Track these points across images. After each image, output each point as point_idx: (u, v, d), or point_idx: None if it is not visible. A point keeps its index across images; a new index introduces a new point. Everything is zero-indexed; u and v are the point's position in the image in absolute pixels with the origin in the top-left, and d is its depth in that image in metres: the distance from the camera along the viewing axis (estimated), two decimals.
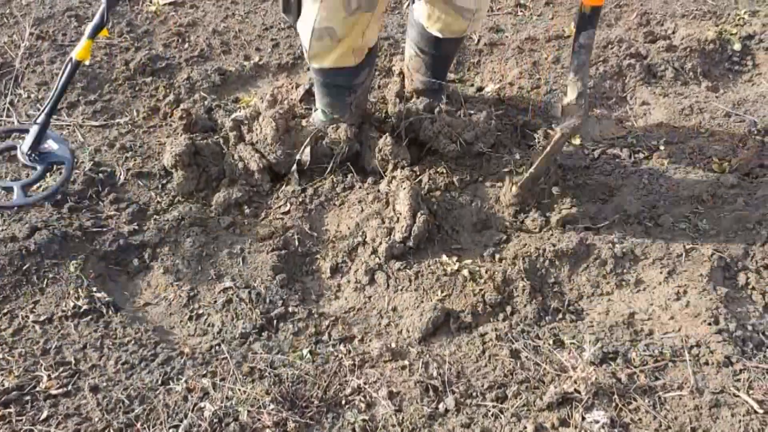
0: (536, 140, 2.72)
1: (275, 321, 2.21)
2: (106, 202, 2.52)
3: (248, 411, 1.92)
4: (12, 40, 3.08)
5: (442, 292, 2.29)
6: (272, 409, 1.92)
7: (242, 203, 2.56)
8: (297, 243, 2.44)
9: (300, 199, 2.55)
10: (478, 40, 3.25)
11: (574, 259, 2.35)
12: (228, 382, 2.00)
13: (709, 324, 2.13)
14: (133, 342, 2.11)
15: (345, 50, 2.32)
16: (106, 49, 3.08)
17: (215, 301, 2.25)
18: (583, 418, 1.93)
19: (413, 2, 2.58)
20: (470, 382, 2.04)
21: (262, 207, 2.57)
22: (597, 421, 1.92)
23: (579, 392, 1.97)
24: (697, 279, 2.26)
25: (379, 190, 2.54)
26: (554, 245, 2.36)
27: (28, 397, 1.96)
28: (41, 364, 2.04)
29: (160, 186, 2.60)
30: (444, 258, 2.39)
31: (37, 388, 1.98)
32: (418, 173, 2.62)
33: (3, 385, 1.96)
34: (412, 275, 2.34)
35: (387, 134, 2.64)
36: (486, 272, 2.33)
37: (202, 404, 1.94)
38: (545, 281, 2.33)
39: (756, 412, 1.93)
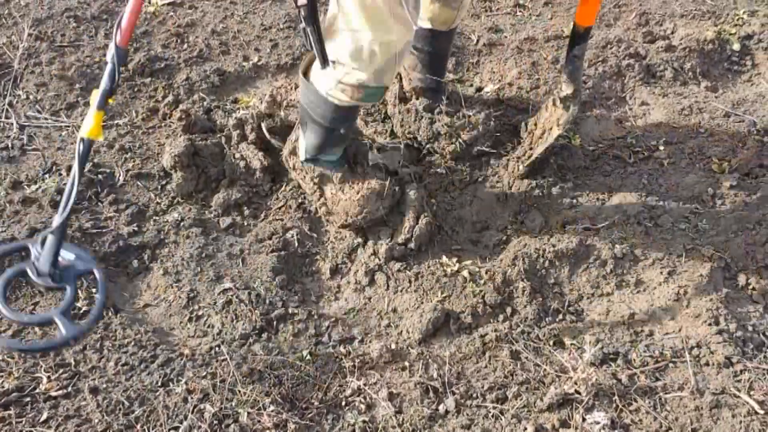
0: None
1: (275, 322, 2.21)
2: (106, 203, 2.51)
3: (248, 412, 1.92)
4: (11, 41, 3.07)
5: (442, 293, 2.29)
6: (272, 411, 1.92)
7: (242, 204, 2.56)
8: (297, 244, 2.44)
9: (299, 200, 2.54)
10: (477, 41, 3.25)
11: (574, 260, 2.35)
12: (228, 383, 2.00)
13: (710, 324, 2.13)
14: (132, 343, 2.11)
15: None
16: (105, 50, 3.07)
17: (215, 303, 2.25)
18: (584, 419, 1.93)
19: None
20: (470, 383, 2.04)
21: (261, 208, 2.57)
22: (597, 422, 1.92)
23: (579, 393, 1.97)
24: (697, 279, 2.26)
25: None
26: (554, 246, 2.36)
27: (27, 399, 1.95)
28: (41, 366, 2.03)
29: (159, 187, 2.60)
30: (444, 259, 2.39)
31: (37, 390, 1.97)
32: (418, 174, 2.61)
33: (3, 387, 1.96)
34: (412, 276, 2.34)
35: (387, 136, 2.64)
36: (486, 273, 2.33)
37: (202, 406, 1.94)
38: (545, 282, 2.33)
39: (757, 412, 1.93)
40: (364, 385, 2.02)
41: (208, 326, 2.20)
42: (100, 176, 2.59)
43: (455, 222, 2.53)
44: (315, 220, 2.52)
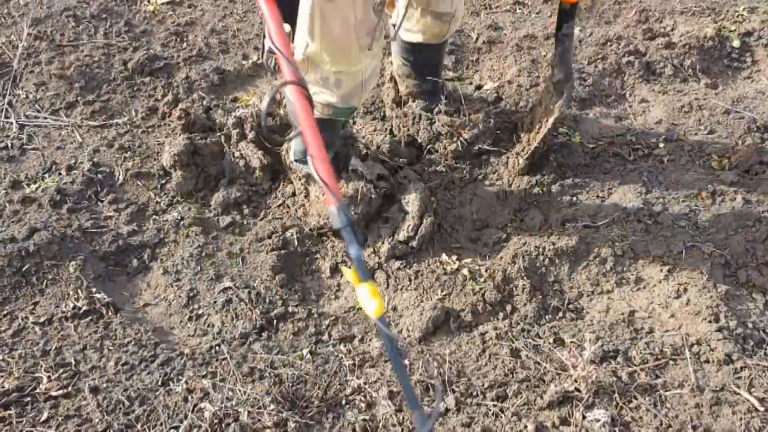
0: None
1: (275, 321, 2.21)
2: (105, 203, 2.51)
3: (248, 411, 1.92)
4: (10, 41, 3.07)
5: (442, 291, 2.29)
6: (272, 410, 1.92)
7: (241, 203, 2.56)
8: (296, 242, 2.44)
9: (299, 199, 2.54)
10: (477, 38, 3.24)
11: (574, 258, 2.35)
12: (228, 382, 2.00)
13: (710, 322, 2.13)
14: (133, 343, 2.11)
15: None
16: (104, 49, 3.08)
17: (215, 302, 2.25)
18: (584, 417, 1.93)
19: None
20: (470, 381, 2.04)
21: (261, 206, 2.57)
22: (598, 420, 1.92)
23: (579, 391, 1.97)
24: (697, 276, 2.26)
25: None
26: (554, 243, 2.36)
27: (28, 399, 1.96)
28: (41, 366, 2.04)
29: (159, 186, 2.60)
30: (444, 257, 2.38)
31: (37, 390, 1.98)
32: (418, 173, 2.61)
33: (3, 387, 1.96)
34: (412, 274, 2.34)
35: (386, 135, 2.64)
36: (486, 271, 2.33)
37: (202, 405, 1.94)
38: (545, 280, 2.33)
39: (757, 410, 1.93)
40: (365, 383, 2.02)
41: (208, 325, 2.20)
42: (99, 175, 2.59)
43: (455, 220, 2.53)
44: None
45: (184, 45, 3.17)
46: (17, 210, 2.44)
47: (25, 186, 2.54)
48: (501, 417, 1.95)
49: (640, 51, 3.15)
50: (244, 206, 2.55)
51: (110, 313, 2.19)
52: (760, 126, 2.81)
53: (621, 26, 3.33)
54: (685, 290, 2.23)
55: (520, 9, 3.46)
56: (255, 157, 2.58)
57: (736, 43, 3.21)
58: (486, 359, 2.11)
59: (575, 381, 1.99)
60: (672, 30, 3.27)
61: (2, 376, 2.00)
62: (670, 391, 2.00)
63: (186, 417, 1.92)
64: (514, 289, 2.28)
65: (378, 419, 1.95)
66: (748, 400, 1.96)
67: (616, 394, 1.98)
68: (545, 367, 2.07)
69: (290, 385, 2.00)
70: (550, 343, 2.15)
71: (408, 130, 2.69)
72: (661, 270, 2.30)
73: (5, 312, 2.18)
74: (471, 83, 3.05)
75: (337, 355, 2.11)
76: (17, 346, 2.09)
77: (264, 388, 1.98)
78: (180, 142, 2.56)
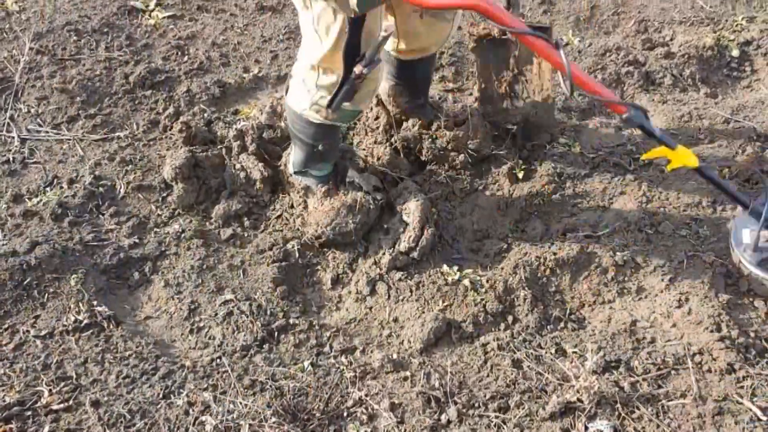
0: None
1: (276, 333, 2.21)
2: (107, 216, 2.52)
3: (250, 424, 1.91)
4: (12, 55, 3.09)
5: (443, 302, 2.29)
6: (274, 422, 1.91)
7: (242, 215, 2.56)
8: (297, 254, 2.44)
9: (298, 211, 2.55)
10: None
11: (575, 268, 2.35)
12: (229, 395, 2.00)
13: (712, 331, 2.13)
14: (134, 356, 2.11)
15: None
16: (105, 63, 3.09)
17: (216, 314, 2.25)
18: (586, 428, 1.92)
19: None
20: (472, 392, 2.03)
21: (261, 218, 2.57)
22: (600, 431, 1.91)
23: (582, 401, 1.96)
24: (698, 286, 2.25)
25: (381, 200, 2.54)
26: (555, 254, 2.36)
27: (29, 413, 1.95)
28: (42, 379, 2.04)
29: (160, 199, 2.61)
30: (445, 268, 2.38)
31: (38, 404, 1.97)
32: (418, 184, 2.62)
33: (4, 401, 1.96)
34: (413, 285, 2.34)
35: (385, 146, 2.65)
36: (487, 282, 2.33)
37: (203, 418, 1.93)
38: (546, 290, 2.33)
39: (760, 419, 1.92)
40: (366, 395, 2.02)
41: (210, 338, 2.20)
42: (101, 188, 2.60)
43: (456, 231, 2.53)
44: None
45: (185, 58, 3.18)
46: (19, 223, 2.45)
47: (27, 199, 2.55)
48: (503, 428, 1.94)
49: (639, 61, 3.16)
50: (245, 218, 2.56)
51: (111, 326, 2.19)
52: (760, 135, 2.81)
53: (620, 36, 3.34)
54: (687, 300, 2.23)
55: (519, 19, 3.47)
56: (256, 169, 2.58)
57: (736, 53, 3.22)
58: (488, 370, 2.10)
59: (577, 391, 1.98)
60: (671, 40, 3.28)
61: (3, 390, 2.00)
62: (673, 401, 1.99)
63: (187, 430, 1.91)
64: (515, 299, 2.28)
65: (379, 431, 1.94)
66: (750, 410, 1.94)
67: (619, 405, 1.97)
68: (547, 378, 2.06)
69: (291, 397, 1.99)
70: (551, 353, 2.14)
71: (409, 150, 2.70)
72: (663, 279, 2.30)
73: (6, 326, 2.18)
74: (471, 94, 3.06)
75: (339, 367, 2.11)
76: (18, 360, 2.09)
77: (265, 401, 1.97)
78: (181, 155, 2.57)
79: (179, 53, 3.20)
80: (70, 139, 2.80)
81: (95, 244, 2.42)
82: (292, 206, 2.57)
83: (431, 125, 2.70)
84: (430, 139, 2.67)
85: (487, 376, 2.08)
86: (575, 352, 2.13)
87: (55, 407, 1.97)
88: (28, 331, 2.17)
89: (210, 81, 3.06)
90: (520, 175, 2.68)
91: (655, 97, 3.04)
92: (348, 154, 2.65)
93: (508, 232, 2.54)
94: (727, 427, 1.91)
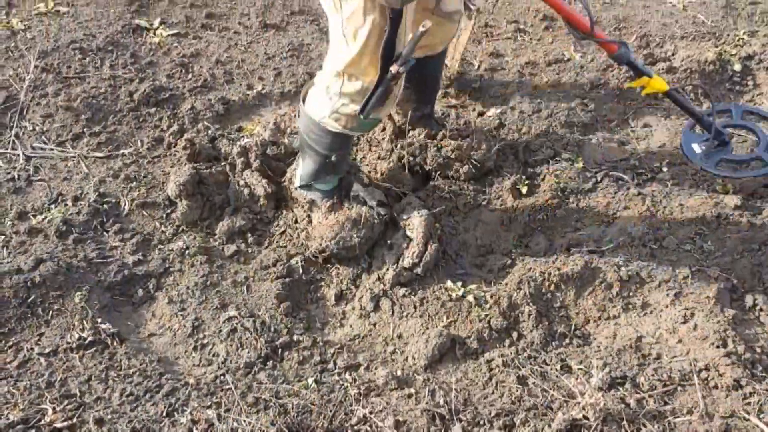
0: None
1: (280, 350, 2.21)
2: (111, 233, 2.52)
3: None
4: (17, 73, 3.11)
5: (447, 317, 2.28)
6: None
7: (246, 231, 2.57)
8: (301, 270, 2.44)
9: (303, 225, 2.55)
10: (479, 66, 3.27)
11: (579, 283, 2.34)
12: (233, 413, 1.99)
13: (718, 347, 2.12)
14: (137, 373, 2.11)
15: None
16: (110, 80, 3.11)
17: (220, 331, 2.24)
18: None
19: None
20: (477, 409, 2.02)
21: (265, 235, 2.57)
22: None
23: (587, 418, 1.95)
24: (703, 301, 2.25)
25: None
26: (559, 269, 2.35)
27: (33, 431, 1.95)
28: (46, 397, 2.03)
29: (164, 216, 2.61)
30: (449, 283, 2.38)
31: (42, 421, 1.97)
32: (422, 199, 2.62)
33: (8, 419, 1.95)
34: (417, 301, 2.33)
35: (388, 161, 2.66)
36: (491, 297, 2.32)
37: None
38: (551, 305, 2.32)
39: None
40: (370, 413, 2.01)
41: (213, 355, 2.19)
42: (105, 206, 2.60)
43: (460, 246, 2.53)
44: None
45: (190, 76, 3.20)
46: (23, 241, 2.46)
47: (32, 217, 2.55)
48: None
49: None
50: (249, 235, 2.56)
51: (115, 344, 2.19)
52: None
53: None
54: (692, 315, 2.22)
55: (521, 36, 3.49)
56: (259, 185, 2.59)
57: (738, 67, 3.22)
58: (493, 387, 2.09)
59: (583, 408, 1.97)
60: (673, 54, 3.29)
61: (7, 408, 1.99)
62: (679, 417, 1.98)
63: None
64: (520, 315, 2.27)
65: None
66: (757, 426, 1.93)
67: (625, 422, 1.96)
68: (553, 395, 2.05)
69: (295, 415, 1.98)
70: (557, 370, 2.13)
71: (415, 159, 2.70)
72: (668, 295, 2.29)
73: (11, 343, 2.18)
74: (474, 110, 3.07)
75: (343, 384, 2.10)
76: (22, 378, 2.08)
77: (269, 419, 1.97)
78: (185, 172, 2.58)
79: (183, 71, 3.22)
80: (74, 157, 2.81)
81: (99, 261, 2.42)
82: (295, 222, 2.58)
83: (436, 137, 2.71)
84: (435, 148, 2.67)
85: (492, 393, 2.07)
86: (581, 369, 2.12)
87: (58, 425, 1.96)
88: (32, 348, 2.16)
89: (214, 98, 3.08)
90: (524, 190, 2.68)
91: (657, 112, 3.05)
92: (353, 169, 2.65)
93: (511, 247, 2.53)
94: None
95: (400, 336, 2.27)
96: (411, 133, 2.71)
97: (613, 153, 2.86)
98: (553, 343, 2.23)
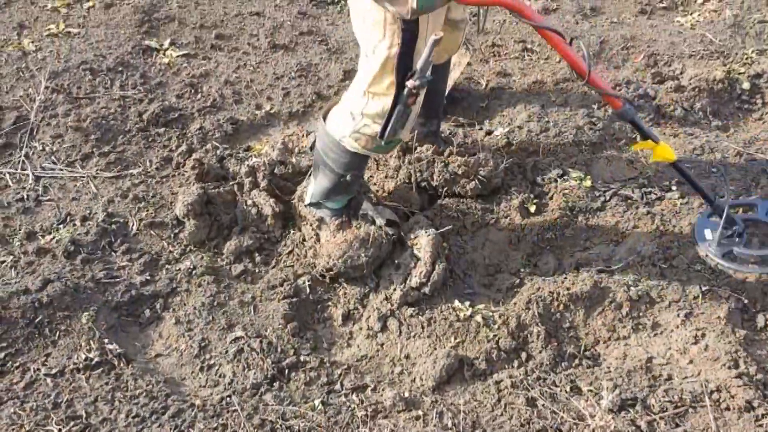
0: None
1: (287, 370, 2.19)
2: (119, 253, 2.53)
3: None
4: (27, 94, 3.14)
5: (455, 338, 2.27)
6: None
7: (253, 251, 2.56)
8: (308, 290, 2.44)
9: (310, 243, 2.54)
10: (486, 84, 3.28)
11: (589, 303, 2.32)
12: None
13: (729, 368, 2.09)
14: (144, 394, 2.10)
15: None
16: (120, 101, 3.14)
17: (226, 351, 2.24)
18: None
19: None
20: None
21: (273, 254, 2.57)
22: None
23: None
24: (715, 321, 2.22)
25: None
26: (568, 289, 2.34)
27: None
28: (52, 418, 2.02)
29: (172, 235, 2.61)
30: (457, 303, 2.37)
31: None
32: (429, 218, 2.61)
33: None
34: (425, 321, 2.32)
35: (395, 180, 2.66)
36: (499, 317, 2.30)
37: None
38: (560, 326, 2.30)
39: None
40: None
41: (220, 375, 2.18)
42: (113, 226, 2.61)
43: (468, 266, 2.52)
44: None
45: (199, 96, 3.22)
46: (32, 261, 2.46)
47: (40, 237, 2.56)
48: None
49: (649, 95, 3.16)
50: (256, 254, 2.55)
51: (122, 365, 2.19)
52: None
53: (630, 70, 3.35)
54: (703, 335, 2.20)
55: (528, 55, 3.50)
56: (267, 204, 2.59)
57: (746, 86, 3.21)
58: (501, 409, 2.07)
59: (593, 431, 1.94)
60: (681, 73, 3.29)
61: (14, 429, 1.99)
62: None
63: None
64: (528, 335, 2.25)
65: None
66: None
67: None
68: (562, 417, 2.02)
69: None
70: (566, 391, 2.11)
71: (422, 174, 2.70)
72: (678, 315, 2.27)
73: (17, 364, 2.17)
74: (481, 129, 3.07)
75: (350, 406, 2.08)
76: (29, 399, 2.08)
77: None
78: (193, 192, 2.58)
79: (192, 91, 3.24)
80: (83, 177, 2.82)
81: (107, 281, 2.42)
82: (303, 241, 2.57)
83: (443, 153, 2.71)
84: (442, 164, 2.67)
85: (501, 415, 2.05)
86: (590, 390, 2.10)
87: None
88: (38, 369, 2.16)
89: (223, 118, 3.09)
90: (532, 209, 2.67)
91: (666, 131, 3.04)
92: (363, 188, 2.65)
93: (520, 266, 2.52)
94: None
95: (407, 356, 2.26)
96: (419, 149, 2.72)
97: (621, 171, 2.84)
98: (563, 364, 2.21)
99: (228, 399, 2.09)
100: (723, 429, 1.97)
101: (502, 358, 2.21)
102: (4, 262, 2.46)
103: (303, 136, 3.01)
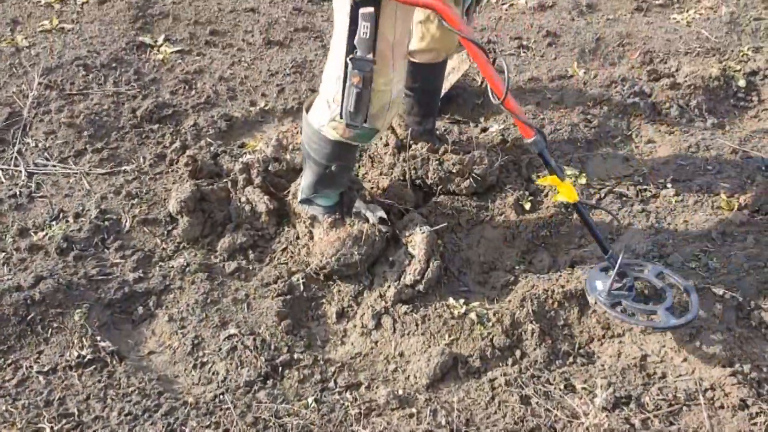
0: None
1: (280, 368, 2.18)
2: (112, 250, 2.51)
3: None
4: (20, 90, 3.12)
5: (449, 336, 2.26)
6: None
7: (247, 248, 2.55)
8: (302, 288, 2.43)
9: (304, 241, 2.53)
10: (482, 82, 3.27)
11: (583, 301, 2.32)
12: None
13: (723, 366, 2.09)
14: (136, 392, 2.09)
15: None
16: (113, 97, 3.12)
17: (220, 349, 2.23)
18: None
19: None
20: (480, 430, 1.99)
21: (266, 251, 2.56)
22: None
23: None
24: (709, 319, 2.22)
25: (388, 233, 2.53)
26: (563, 286, 2.33)
27: None
28: (44, 416, 2.01)
29: (165, 232, 2.60)
30: (451, 301, 2.36)
31: None
32: (424, 215, 2.61)
33: None
34: (419, 319, 2.31)
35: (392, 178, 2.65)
36: (494, 315, 2.30)
37: None
38: (555, 324, 2.30)
39: None
40: None
41: (213, 373, 2.17)
42: (106, 222, 2.60)
43: (462, 263, 2.51)
44: None
45: (193, 92, 3.21)
46: (24, 258, 2.45)
47: (33, 234, 2.55)
48: None
49: (645, 92, 3.16)
50: (250, 251, 2.54)
51: (114, 362, 2.17)
52: None
53: (626, 68, 3.34)
54: (698, 333, 2.19)
55: (524, 52, 3.49)
56: (261, 202, 2.58)
57: (742, 83, 3.21)
58: (495, 407, 2.06)
59: (587, 429, 1.94)
60: (677, 71, 3.29)
61: (5, 427, 1.97)
62: None
63: None
64: (523, 333, 2.25)
65: None
66: None
67: None
68: (556, 415, 2.02)
69: None
70: (560, 389, 2.10)
71: (416, 172, 2.69)
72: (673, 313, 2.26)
73: (9, 361, 2.16)
74: (476, 125, 3.06)
75: (343, 404, 2.08)
76: (21, 396, 2.06)
77: None
78: (187, 189, 2.57)
79: (186, 87, 3.23)
80: (76, 173, 2.81)
81: (100, 278, 2.41)
82: (297, 238, 2.56)
83: (438, 151, 2.71)
84: (436, 162, 2.67)
85: (495, 412, 2.04)
86: (584, 388, 2.10)
87: None
88: (31, 366, 2.15)
89: (217, 115, 3.08)
90: (527, 206, 2.67)
91: (661, 128, 3.03)
92: (355, 185, 2.65)
93: (514, 264, 2.51)
94: None
95: (401, 354, 2.25)
96: (413, 147, 2.71)
97: (616, 169, 2.84)
98: (557, 361, 2.20)
99: (221, 397, 2.08)
100: (717, 427, 1.97)
101: (497, 356, 2.20)
102: None
103: (297, 132, 3.00)
